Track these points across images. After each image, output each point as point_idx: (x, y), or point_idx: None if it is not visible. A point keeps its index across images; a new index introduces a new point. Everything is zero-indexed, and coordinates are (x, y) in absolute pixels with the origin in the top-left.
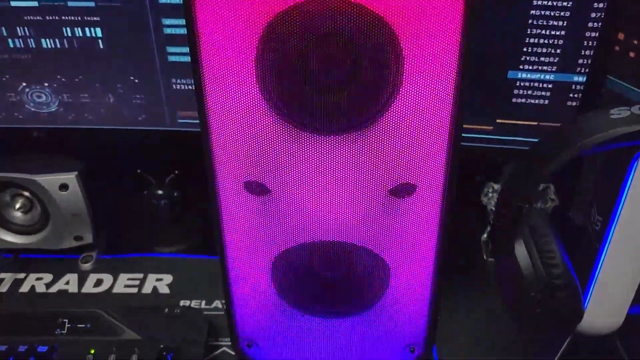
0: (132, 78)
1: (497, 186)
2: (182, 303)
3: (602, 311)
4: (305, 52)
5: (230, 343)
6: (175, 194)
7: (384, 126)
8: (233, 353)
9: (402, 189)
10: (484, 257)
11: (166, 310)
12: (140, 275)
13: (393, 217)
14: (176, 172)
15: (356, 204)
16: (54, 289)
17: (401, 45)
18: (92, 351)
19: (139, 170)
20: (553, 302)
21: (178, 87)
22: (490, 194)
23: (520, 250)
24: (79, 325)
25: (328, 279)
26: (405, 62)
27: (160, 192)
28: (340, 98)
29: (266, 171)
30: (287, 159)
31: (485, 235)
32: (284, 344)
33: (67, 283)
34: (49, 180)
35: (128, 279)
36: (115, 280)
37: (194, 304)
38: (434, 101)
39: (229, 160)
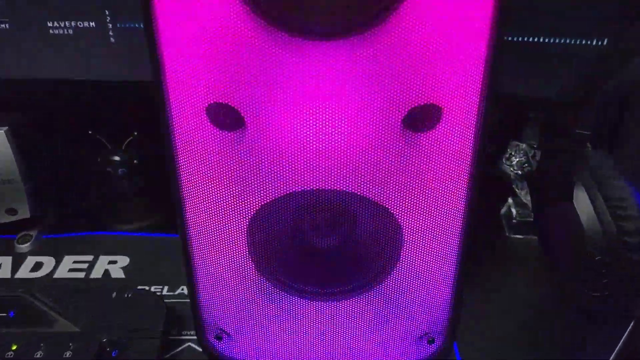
0: (76, 15)
1: (523, 145)
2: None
3: None
4: None
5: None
6: (135, 160)
7: (400, 25)
8: (200, 349)
9: (423, 115)
10: (506, 233)
11: (114, 294)
12: (90, 258)
13: (410, 157)
14: (135, 133)
15: (361, 138)
16: None
17: None
18: (14, 347)
19: (90, 132)
20: (624, 267)
21: (135, 25)
22: (514, 157)
23: (581, 197)
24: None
25: (322, 245)
26: None
27: (116, 158)
28: None
29: (238, 91)
30: (268, 73)
31: (505, 209)
32: (263, 334)
33: None
34: None
35: (74, 262)
36: (58, 263)
37: (153, 290)
38: None
39: (188, 75)
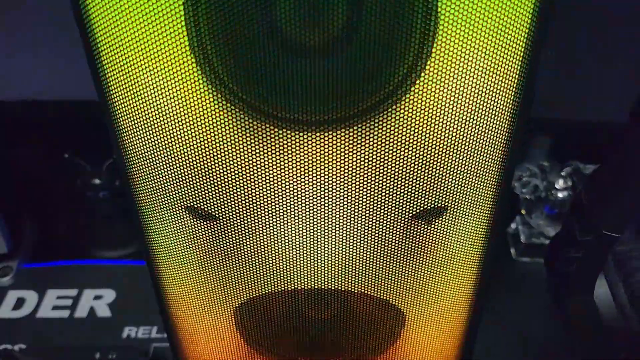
0: (45, 31)
1: (535, 169)
2: (126, 331)
3: None
4: None
5: None
6: (117, 182)
7: (401, 115)
8: None
9: (430, 211)
10: (513, 255)
11: (97, 355)
12: (74, 292)
13: (413, 247)
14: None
15: (358, 235)
16: None
17: None
18: None
19: (66, 155)
20: None
21: None
22: (525, 179)
23: (602, 289)
24: None
25: (315, 323)
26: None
27: (97, 181)
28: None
29: (211, 197)
30: (245, 173)
31: (513, 225)
32: None
33: None
34: None
35: (57, 297)
36: (41, 299)
37: (142, 332)
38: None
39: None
